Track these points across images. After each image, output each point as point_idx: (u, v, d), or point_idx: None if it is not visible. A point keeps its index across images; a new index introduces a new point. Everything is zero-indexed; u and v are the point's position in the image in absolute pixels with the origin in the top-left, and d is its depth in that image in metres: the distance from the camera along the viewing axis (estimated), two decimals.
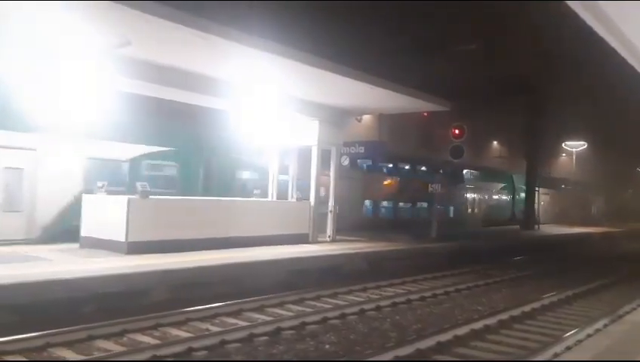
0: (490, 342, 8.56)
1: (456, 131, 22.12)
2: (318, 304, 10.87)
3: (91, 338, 7.71)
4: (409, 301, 11.41)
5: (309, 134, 16.80)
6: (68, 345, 7.40)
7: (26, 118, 11.90)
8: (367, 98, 15.80)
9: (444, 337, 8.35)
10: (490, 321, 9.53)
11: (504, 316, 10.00)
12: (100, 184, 13.17)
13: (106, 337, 7.85)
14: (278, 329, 8.57)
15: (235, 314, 9.63)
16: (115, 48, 10.62)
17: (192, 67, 12.54)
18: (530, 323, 9.94)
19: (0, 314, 7.92)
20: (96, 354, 7.13)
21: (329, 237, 17.15)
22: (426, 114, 27.97)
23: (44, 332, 7.55)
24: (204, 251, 12.36)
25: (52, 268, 9.73)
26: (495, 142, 46.08)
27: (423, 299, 11.76)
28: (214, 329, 8.63)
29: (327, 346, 8.10)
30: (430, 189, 21.31)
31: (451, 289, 12.90)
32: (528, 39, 24.44)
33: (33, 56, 10.24)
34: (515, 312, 10.33)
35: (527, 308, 10.74)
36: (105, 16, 9.48)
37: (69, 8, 9.00)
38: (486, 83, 28.94)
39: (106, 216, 12.55)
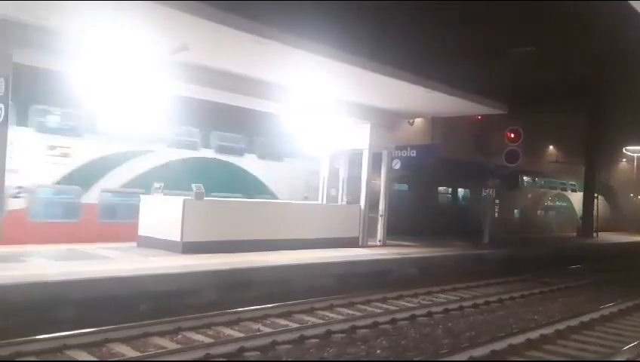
0: (546, 352, 8.30)
1: (512, 135, 21.59)
2: (369, 308, 10.83)
3: (147, 335, 7.93)
4: (461, 308, 11.21)
5: (360, 137, 16.78)
6: (125, 341, 7.64)
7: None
8: (422, 101, 15.64)
9: (498, 346, 8.16)
10: (547, 331, 9.24)
11: (561, 326, 9.68)
12: (157, 185, 13.58)
13: (162, 334, 8.06)
14: (329, 332, 8.57)
15: (286, 315, 9.70)
16: (173, 54, 10.91)
17: (246, 71, 12.75)
18: (589, 333, 9.58)
19: (63, 310, 8.24)
20: (152, 351, 7.32)
21: (379, 241, 17.04)
22: (480, 117, 27.44)
23: (103, 328, 7.82)
24: (254, 253, 12.51)
25: (111, 266, 10.08)
26: (551, 147, 44.71)
27: (475, 306, 11.53)
28: (265, 329, 8.72)
29: (378, 351, 8.05)
30: (484, 194, 20.89)
31: (505, 296, 12.59)
32: (588, 41, 23.61)
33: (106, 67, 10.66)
34: (573, 322, 9.98)
35: (585, 319, 10.36)
36: (164, 24, 9.76)
37: (133, 17, 9.34)
38: (544, 86, 28.10)
39: (163, 216, 12.89)
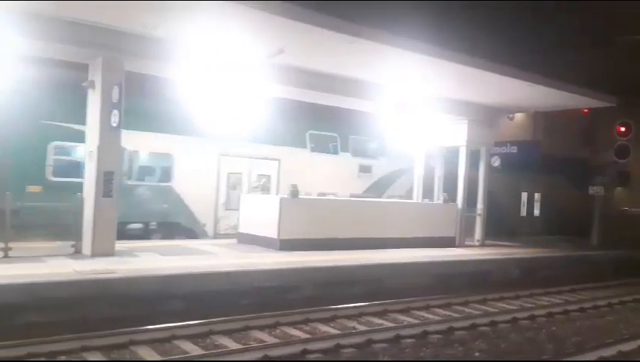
0: None
1: (622, 129, 20.24)
2: (467, 309, 10.58)
3: (248, 328, 8.25)
4: (566, 311, 10.67)
5: (456, 134, 16.41)
6: (227, 333, 7.98)
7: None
8: (523, 95, 15.04)
9: (606, 352, 7.70)
10: None
11: None
12: (255, 184, 14.08)
13: (261, 328, 8.34)
14: (425, 333, 8.48)
15: (381, 314, 9.70)
16: (270, 57, 11.24)
17: (340, 70, 12.89)
18: None
19: (172, 303, 8.77)
20: (253, 344, 7.60)
21: (477, 241, 16.58)
22: (586, 110, 25.85)
23: (208, 320, 8.22)
24: (349, 251, 12.61)
25: (215, 261, 10.58)
26: None
27: (582, 310, 10.93)
28: (361, 327, 8.78)
29: (476, 353, 7.86)
30: (591, 192, 19.69)
31: (615, 301, 11.84)
32: None
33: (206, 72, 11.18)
34: None
35: None
36: (261, 28, 10.08)
37: (234, 22, 9.73)
38: None
39: (261, 214, 13.32)
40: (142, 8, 9.23)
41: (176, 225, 14.58)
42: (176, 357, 6.94)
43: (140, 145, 14.20)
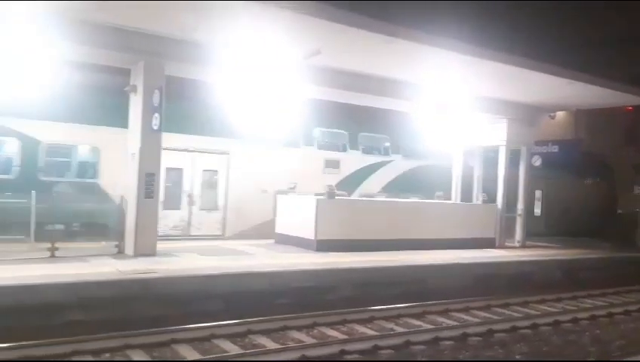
0: None
1: None
2: (507, 311, 10.39)
3: (286, 328, 8.30)
4: (610, 314, 10.37)
5: (496, 133, 16.16)
6: (266, 333, 8.05)
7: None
8: (564, 93, 14.71)
9: None
10: None
11: None
12: (291, 185, 14.17)
13: (299, 328, 8.38)
14: (464, 335, 8.38)
15: (419, 316, 9.62)
16: (307, 59, 11.29)
17: (377, 71, 12.86)
18: None
19: (211, 302, 8.91)
20: (290, 344, 7.65)
21: (518, 242, 16.30)
22: (630, 108, 25.06)
23: (247, 319, 8.31)
24: (387, 252, 12.56)
25: (253, 261, 10.70)
26: None
27: (627, 312, 10.62)
28: (399, 329, 8.73)
29: (517, 356, 7.73)
30: (636, 191, 19.11)
31: None
32: None
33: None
34: None
35: None
36: (297, 28, 10.15)
37: (271, 24, 9.83)
38: None
39: (297, 214, 13.40)
40: (181, 9, 9.37)
41: (102, 227, 12.26)
42: (214, 356, 7.04)
43: (60, 136, 13.03)
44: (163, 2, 9.00)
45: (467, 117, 14.98)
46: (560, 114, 26.57)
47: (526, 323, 9.26)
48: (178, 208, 14.23)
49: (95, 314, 7.98)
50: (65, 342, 6.89)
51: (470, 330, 8.58)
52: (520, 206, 16.41)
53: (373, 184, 18.11)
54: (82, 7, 9.13)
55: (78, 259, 9.83)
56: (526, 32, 20.43)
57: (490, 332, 8.64)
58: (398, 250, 12.96)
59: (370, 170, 18.25)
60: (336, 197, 13.11)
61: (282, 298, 9.62)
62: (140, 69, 10.77)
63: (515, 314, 10.11)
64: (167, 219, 14.03)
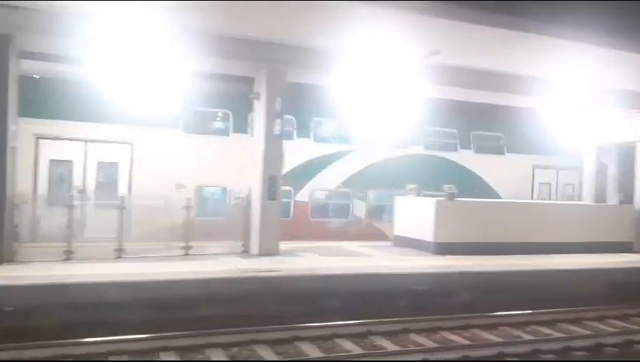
0: None
1: None
2: None
3: (406, 331, 8.23)
4: None
5: (632, 129, 14.92)
6: (386, 335, 8.04)
7: None
8: None
9: None
10: None
11: None
12: (410, 186, 14.05)
13: (419, 332, 8.27)
14: (599, 345, 7.82)
15: (549, 323, 9.10)
16: (425, 58, 11.17)
17: (499, 67, 12.41)
18: None
19: (331, 301, 9.08)
20: (411, 347, 7.58)
21: None
22: None
23: (367, 320, 8.37)
24: (510, 256, 12.05)
25: (371, 262, 10.77)
26: None
27: None
28: (526, 336, 8.35)
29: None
30: None
31: None
32: None
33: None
34: None
35: None
36: (417, 28, 10.07)
37: (391, 26, 9.85)
38: None
39: (415, 216, 13.24)
40: (306, 18, 9.65)
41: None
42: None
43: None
44: (290, 13, 9.33)
45: (598, 111, 13.99)
46: None
47: None
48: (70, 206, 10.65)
49: (224, 309, 8.42)
50: (196, 334, 7.35)
51: (606, 341, 8.00)
52: None
53: (330, 177, 16.30)
54: (212, 20, 9.67)
55: (209, 258, 10.48)
56: None
57: (629, 343, 8.00)
58: (524, 254, 12.36)
59: (326, 161, 16.23)
60: (456, 199, 12.80)
61: (400, 300, 9.55)
62: (263, 77, 11.23)
63: None
64: (53, 219, 11.15)
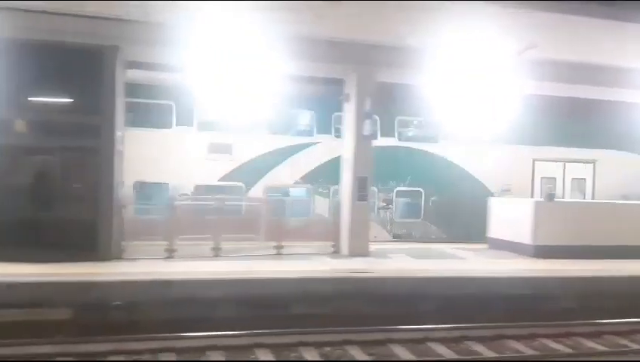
0: None
1: None
2: None
3: (502, 337, 7.94)
4: None
5: None
6: (481, 340, 7.78)
7: None
8: None
9: None
10: None
11: None
12: (505, 187, 13.57)
13: (516, 338, 7.95)
14: None
15: None
16: (520, 54, 10.75)
17: (600, 60, 11.72)
18: None
19: (423, 304, 8.95)
20: (507, 354, 7.32)
21: None
22: None
23: (461, 324, 8.16)
24: (615, 260, 11.30)
25: (465, 265, 10.53)
26: None
27: None
28: (634, 346, 7.81)
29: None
30: None
31: None
32: None
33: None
34: None
35: None
36: (513, 24, 9.74)
37: (488, 22, 9.61)
38: None
39: (512, 218, 12.76)
40: (397, 18, 9.58)
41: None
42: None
43: None
44: (381, 13, 9.30)
45: None
46: None
47: None
48: None
49: (319, 308, 8.55)
50: (291, 332, 7.50)
51: None
52: None
53: (288, 172, 14.89)
54: (299, 19, 9.68)
55: (301, 257, 10.68)
56: None
57: None
58: (632, 258, 11.55)
59: (281, 155, 14.81)
60: (556, 200, 12.20)
61: (494, 304, 9.24)
62: (354, 79, 11.27)
63: None
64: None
